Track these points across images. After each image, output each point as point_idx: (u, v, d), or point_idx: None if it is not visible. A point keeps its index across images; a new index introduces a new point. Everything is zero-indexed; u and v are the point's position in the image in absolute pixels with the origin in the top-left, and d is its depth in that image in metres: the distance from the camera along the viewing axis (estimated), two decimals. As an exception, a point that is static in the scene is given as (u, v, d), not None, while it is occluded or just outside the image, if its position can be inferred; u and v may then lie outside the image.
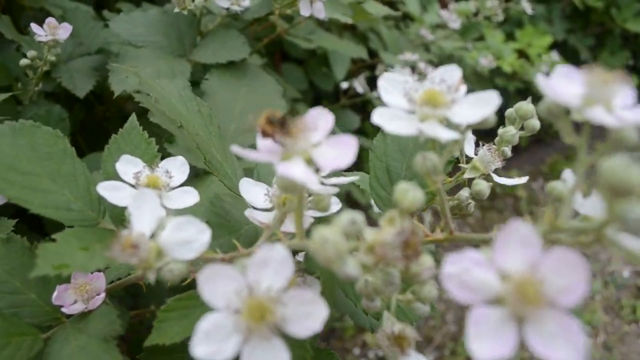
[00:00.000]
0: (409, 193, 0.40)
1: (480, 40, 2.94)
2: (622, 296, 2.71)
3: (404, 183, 0.41)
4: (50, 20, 1.17)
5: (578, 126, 0.45)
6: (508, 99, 3.30)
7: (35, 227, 1.13)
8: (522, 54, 3.17)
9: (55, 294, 0.65)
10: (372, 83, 2.31)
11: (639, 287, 2.74)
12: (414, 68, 2.20)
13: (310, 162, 0.42)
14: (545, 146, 3.88)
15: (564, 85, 0.41)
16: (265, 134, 0.43)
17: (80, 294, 0.65)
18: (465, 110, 0.44)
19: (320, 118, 0.44)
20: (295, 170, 0.39)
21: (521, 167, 3.71)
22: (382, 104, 0.45)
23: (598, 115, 0.38)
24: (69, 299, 0.66)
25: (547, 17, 3.44)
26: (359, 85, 2.25)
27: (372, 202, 2.10)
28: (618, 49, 3.66)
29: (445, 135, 0.42)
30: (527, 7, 2.44)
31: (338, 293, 0.68)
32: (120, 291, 0.77)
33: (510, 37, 3.29)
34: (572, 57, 3.38)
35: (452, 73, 0.47)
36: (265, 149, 0.43)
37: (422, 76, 0.48)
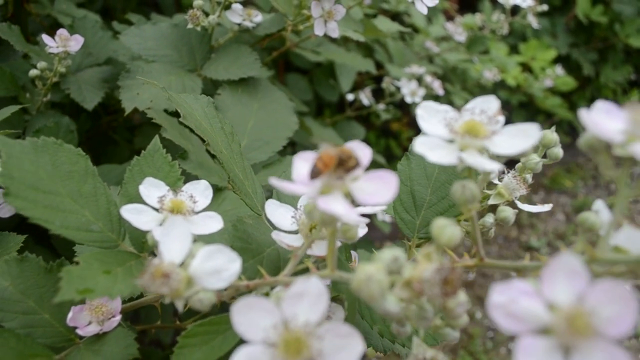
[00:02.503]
0: (447, 229, 0.40)
1: (484, 53, 2.94)
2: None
3: (442, 219, 0.41)
4: (61, 31, 1.16)
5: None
6: (510, 112, 3.31)
7: (41, 241, 1.12)
8: (525, 67, 3.18)
9: (70, 315, 0.64)
10: (377, 95, 2.31)
11: (640, 302, 2.73)
12: (419, 81, 2.20)
13: (348, 196, 0.41)
14: (547, 159, 3.88)
15: (605, 120, 0.41)
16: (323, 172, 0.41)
17: (96, 315, 0.64)
18: (506, 142, 0.45)
19: (359, 152, 0.44)
20: (337, 206, 0.38)
21: (522, 180, 3.72)
22: (421, 132, 0.45)
23: None
24: (84, 320, 0.65)
25: (551, 31, 3.45)
26: (365, 97, 2.25)
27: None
28: (620, 64, 3.67)
29: (488, 166, 0.42)
30: (533, 21, 2.45)
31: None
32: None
33: (513, 50, 3.30)
34: (575, 71, 3.39)
35: (490, 104, 0.48)
36: (302, 182, 0.43)
37: (454, 107, 0.48)
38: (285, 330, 0.38)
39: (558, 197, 3.59)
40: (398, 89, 2.21)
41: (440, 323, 0.50)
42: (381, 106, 2.26)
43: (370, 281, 0.36)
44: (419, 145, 0.44)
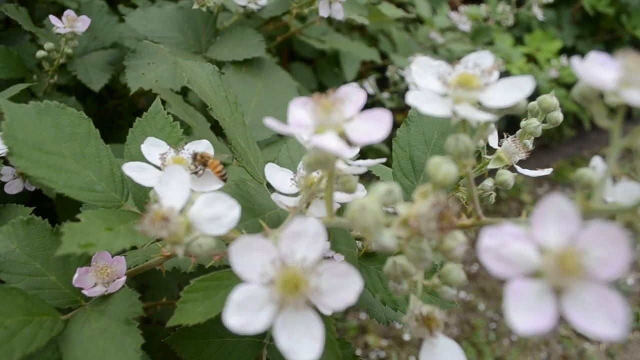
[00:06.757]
0: (442, 166, 0.40)
1: (489, 44, 2.94)
2: (626, 303, 2.70)
3: (437, 157, 0.41)
4: (68, 12, 1.17)
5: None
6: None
7: (47, 217, 1.13)
8: (530, 58, 3.17)
9: (75, 276, 0.65)
10: (381, 85, 2.32)
11: (643, 295, 2.73)
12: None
13: (342, 136, 0.42)
14: (551, 152, 3.87)
15: (598, 70, 0.41)
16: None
17: (101, 276, 0.65)
18: (498, 94, 0.45)
19: (353, 93, 0.44)
20: (330, 142, 0.39)
21: (527, 173, 3.70)
22: (415, 87, 0.45)
23: (635, 96, 0.38)
24: (90, 282, 0.66)
25: (556, 23, 3.44)
26: (369, 86, 2.25)
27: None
28: (627, 56, 3.65)
29: (480, 116, 0.42)
30: (539, 13, 2.44)
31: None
32: (131, 282, 0.77)
33: (519, 41, 3.29)
34: (580, 63, 3.36)
35: (485, 59, 0.48)
36: (298, 124, 0.43)
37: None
38: (283, 267, 0.39)
39: (563, 190, 3.58)
40: (402, 78, 2.22)
41: (437, 282, 0.51)
42: (385, 95, 2.27)
43: (364, 211, 0.36)
44: (412, 98, 0.44)
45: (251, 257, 0.40)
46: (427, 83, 0.47)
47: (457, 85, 0.45)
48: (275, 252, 0.40)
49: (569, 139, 3.87)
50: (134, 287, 1.26)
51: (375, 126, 0.41)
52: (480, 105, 0.45)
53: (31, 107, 0.59)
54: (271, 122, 0.40)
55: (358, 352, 2.63)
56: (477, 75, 0.46)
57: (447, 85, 0.46)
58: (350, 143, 0.42)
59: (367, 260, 0.69)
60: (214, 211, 0.44)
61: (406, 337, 2.40)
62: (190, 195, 0.45)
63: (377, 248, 0.38)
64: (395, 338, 2.40)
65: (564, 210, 0.35)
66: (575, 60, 0.41)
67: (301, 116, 0.44)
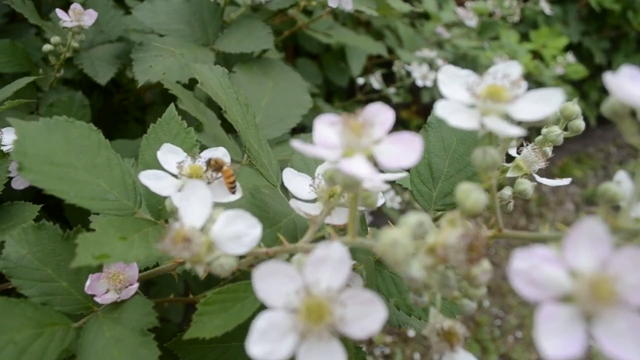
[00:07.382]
0: (472, 194, 0.39)
1: (494, 40, 2.92)
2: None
3: (467, 184, 0.40)
4: (75, 6, 1.15)
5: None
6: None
7: (55, 214, 1.12)
8: (536, 54, 3.15)
9: (87, 282, 0.64)
10: (387, 80, 2.30)
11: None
12: (431, 65, 2.19)
13: (370, 159, 0.41)
14: (556, 149, 3.84)
15: (630, 85, 0.40)
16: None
17: (113, 283, 0.65)
18: (528, 107, 0.43)
19: (380, 114, 0.43)
20: (361, 168, 0.38)
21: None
22: (441, 96, 0.44)
23: None
24: (102, 288, 0.65)
25: (562, 19, 3.41)
26: (375, 81, 2.23)
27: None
28: (633, 53, 3.63)
29: (511, 131, 0.41)
30: (546, 7, 2.42)
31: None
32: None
33: (524, 37, 3.27)
34: (586, 59, 3.35)
35: (513, 69, 0.47)
36: (324, 145, 0.42)
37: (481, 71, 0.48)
38: (308, 296, 0.38)
39: (567, 187, 3.57)
40: (409, 73, 2.20)
41: (458, 294, 0.50)
42: (392, 90, 2.25)
43: (396, 246, 0.35)
44: (440, 108, 0.43)
45: (275, 283, 0.39)
46: (453, 93, 0.45)
47: (486, 97, 0.44)
48: (300, 279, 0.39)
49: (575, 136, 3.85)
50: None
51: (404, 150, 0.40)
52: (508, 118, 0.44)
53: (41, 123, 0.58)
54: (297, 144, 0.39)
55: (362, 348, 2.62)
56: (506, 87, 0.44)
57: (476, 97, 0.44)
58: (377, 166, 0.41)
59: (382, 264, 0.69)
60: (235, 230, 0.43)
61: (411, 333, 2.40)
62: (211, 213, 0.44)
63: (405, 278, 0.37)
64: (400, 334, 2.40)
65: (598, 235, 0.34)
66: (609, 76, 0.40)
67: (327, 135, 0.42)
